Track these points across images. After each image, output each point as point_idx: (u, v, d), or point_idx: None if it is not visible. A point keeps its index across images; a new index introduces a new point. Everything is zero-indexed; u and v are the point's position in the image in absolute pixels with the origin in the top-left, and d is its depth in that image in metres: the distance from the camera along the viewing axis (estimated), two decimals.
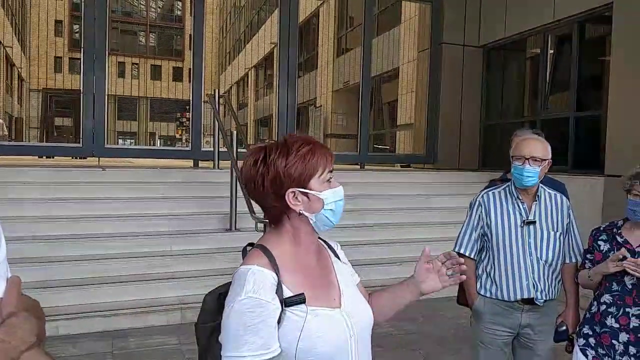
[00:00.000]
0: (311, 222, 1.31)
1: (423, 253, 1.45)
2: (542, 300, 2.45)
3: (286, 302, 1.21)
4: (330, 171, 1.31)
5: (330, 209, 1.30)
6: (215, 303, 1.33)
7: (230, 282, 1.29)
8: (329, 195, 1.30)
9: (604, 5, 6.47)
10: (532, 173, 2.40)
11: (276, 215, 1.33)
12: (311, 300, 1.25)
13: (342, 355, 1.26)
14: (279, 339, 1.20)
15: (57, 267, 4.80)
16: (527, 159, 2.40)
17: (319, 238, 1.44)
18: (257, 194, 1.32)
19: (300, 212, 1.29)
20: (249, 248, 1.36)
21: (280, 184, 1.27)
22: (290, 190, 1.28)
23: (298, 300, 1.22)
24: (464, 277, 1.43)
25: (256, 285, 1.20)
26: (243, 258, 1.33)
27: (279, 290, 1.22)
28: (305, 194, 1.28)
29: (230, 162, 5.69)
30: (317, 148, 1.30)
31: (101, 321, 4.46)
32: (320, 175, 1.29)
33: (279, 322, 1.21)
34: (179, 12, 41.55)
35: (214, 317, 1.30)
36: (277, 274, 1.24)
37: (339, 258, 1.46)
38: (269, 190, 1.29)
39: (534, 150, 2.42)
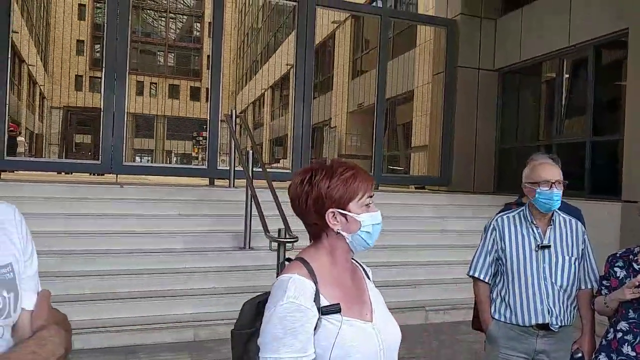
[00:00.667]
0: (347, 241, 1.41)
1: None
2: (557, 326, 2.42)
3: (323, 311, 1.30)
4: (370, 196, 1.41)
5: (367, 231, 1.40)
6: (254, 311, 1.42)
7: (268, 292, 1.38)
8: (366, 219, 1.39)
9: (619, 31, 6.49)
10: (559, 196, 2.43)
11: (316, 232, 1.43)
12: (345, 312, 1.33)
13: None
14: (315, 345, 1.28)
15: (72, 282, 4.85)
16: (553, 182, 2.41)
17: (353, 259, 1.52)
18: (301, 211, 1.43)
19: (338, 231, 1.39)
20: (287, 262, 1.46)
21: (321, 203, 1.38)
22: (330, 210, 1.37)
23: (334, 309, 1.31)
24: None
25: (297, 292, 1.29)
26: (281, 271, 1.43)
27: (316, 299, 1.31)
28: (344, 215, 1.38)
29: (245, 180, 5.74)
30: (359, 174, 1.40)
31: (114, 336, 4.48)
32: (360, 199, 1.39)
33: (315, 328, 1.28)
34: (197, 33, 42.36)
35: (252, 324, 1.40)
36: (315, 284, 1.33)
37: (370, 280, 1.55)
38: (311, 208, 1.39)
39: (556, 174, 2.46)
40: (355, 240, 1.40)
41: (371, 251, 5.62)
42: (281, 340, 1.25)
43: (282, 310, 1.27)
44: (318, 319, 1.29)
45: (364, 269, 1.56)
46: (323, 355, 1.28)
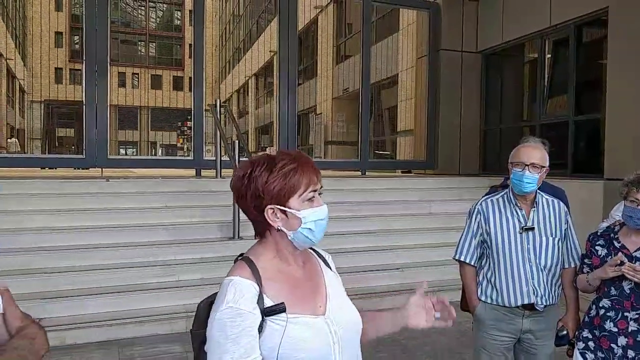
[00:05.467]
0: (289, 238, 1.34)
1: (420, 287, 1.45)
2: (542, 306, 2.48)
3: (266, 312, 1.25)
4: (314, 190, 1.32)
5: (308, 228, 1.32)
6: (206, 311, 1.35)
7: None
8: (307, 215, 1.31)
9: (599, 10, 6.54)
10: (531, 179, 2.44)
11: (260, 228, 1.38)
12: (293, 308, 1.28)
13: None
14: (261, 346, 1.24)
15: (61, 278, 4.84)
16: (527, 165, 2.44)
17: (312, 248, 1.48)
18: (242, 207, 1.37)
19: (279, 228, 1.32)
20: (239, 259, 1.40)
21: (260, 200, 1.31)
22: (270, 206, 1.31)
23: (278, 309, 1.26)
24: (450, 323, 1.44)
25: (237, 296, 1.25)
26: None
27: (259, 301, 1.26)
28: (284, 212, 1.31)
29: (232, 170, 5.73)
30: (301, 166, 1.31)
31: (106, 330, 4.49)
32: (302, 193, 1.31)
33: (260, 330, 1.25)
34: (178, 22, 41.78)
35: (206, 325, 1.32)
36: (258, 285, 1.28)
37: (329, 267, 1.49)
38: (250, 204, 1.33)
39: (533, 156, 2.46)
40: (297, 238, 1.32)
41: (359, 236, 5.70)
42: (223, 346, 1.22)
43: (221, 317, 1.24)
44: (262, 321, 1.25)
45: (322, 257, 1.50)
46: (270, 356, 1.24)
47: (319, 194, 1.35)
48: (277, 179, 1.29)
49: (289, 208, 1.30)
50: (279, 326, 1.25)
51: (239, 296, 1.25)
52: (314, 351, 1.27)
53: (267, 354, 1.24)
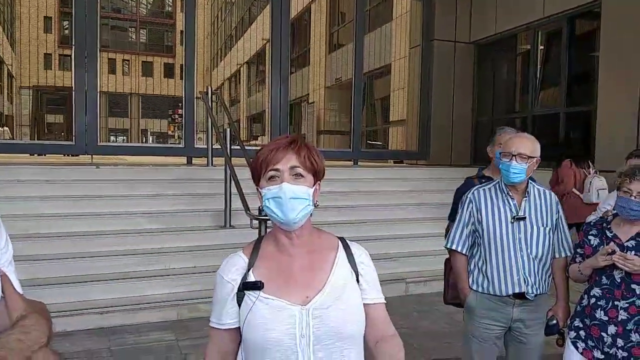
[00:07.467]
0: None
1: None
2: (532, 295, 2.49)
3: (244, 286, 1.35)
4: (275, 170, 1.34)
5: (267, 206, 1.35)
6: None
7: None
8: (265, 193, 1.36)
9: (592, 2, 6.54)
10: (518, 169, 2.44)
11: None
12: (271, 290, 1.34)
13: (287, 352, 1.29)
14: (240, 318, 1.35)
15: (51, 265, 4.80)
16: (514, 155, 2.44)
17: (341, 239, 1.50)
18: None
19: (262, 206, 1.40)
20: None
21: (255, 180, 1.43)
22: (257, 186, 1.42)
23: (254, 286, 1.34)
24: None
25: (225, 266, 1.41)
26: None
27: (245, 275, 1.37)
28: (259, 191, 1.40)
29: (224, 159, 5.70)
30: (266, 146, 1.38)
31: (97, 318, 4.47)
32: (264, 173, 1.36)
33: (241, 303, 1.35)
34: (169, 8, 41.29)
35: None
36: (251, 261, 1.39)
37: (353, 267, 1.44)
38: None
39: (521, 147, 2.46)
40: (269, 215, 1.37)
41: (349, 225, 5.70)
42: (213, 306, 1.42)
43: (215, 280, 1.42)
44: (242, 294, 1.35)
45: (348, 251, 1.47)
46: (241, 327, 1.35)
47: (296, 174, 1.34)
48: (254, 160, 1.40)
49: (259, 187, 1.39)
50: (250, 302, 1.33)
51: (226, 267, 1.40)
52: (272, 335, 1.29)
53: (240, 325, 1.35)
